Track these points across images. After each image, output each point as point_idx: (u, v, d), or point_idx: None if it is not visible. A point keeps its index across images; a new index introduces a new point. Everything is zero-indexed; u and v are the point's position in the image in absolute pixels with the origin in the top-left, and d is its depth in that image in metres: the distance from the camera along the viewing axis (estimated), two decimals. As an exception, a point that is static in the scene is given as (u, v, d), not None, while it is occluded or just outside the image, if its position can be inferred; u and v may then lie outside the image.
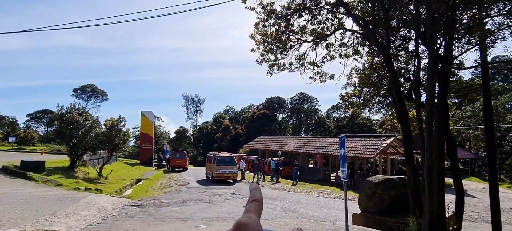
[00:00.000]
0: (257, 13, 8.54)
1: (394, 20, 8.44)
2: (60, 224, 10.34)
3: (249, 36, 8.96)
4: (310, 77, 9.39)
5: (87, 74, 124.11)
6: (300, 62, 9.25)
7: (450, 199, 8.48)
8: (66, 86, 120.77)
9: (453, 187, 7.96)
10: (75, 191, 16.40)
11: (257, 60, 9.26)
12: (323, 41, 9.11)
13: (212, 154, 30.30)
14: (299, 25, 8.88)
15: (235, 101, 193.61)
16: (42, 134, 68.03)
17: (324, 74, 9.33)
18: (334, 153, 30.24)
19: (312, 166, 39.12)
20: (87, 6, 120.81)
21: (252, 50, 9.19)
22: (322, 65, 9.28)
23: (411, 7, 8.11)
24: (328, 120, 72.96)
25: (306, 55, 9.19)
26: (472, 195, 25.10)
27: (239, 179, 28.43)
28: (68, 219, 10.97)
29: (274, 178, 28.35)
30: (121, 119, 23.93)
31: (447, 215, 7.46)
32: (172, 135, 79.54)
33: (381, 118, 50.35)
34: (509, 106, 48.72)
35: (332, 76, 9.28)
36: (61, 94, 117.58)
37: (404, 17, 8.31)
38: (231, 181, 26.67)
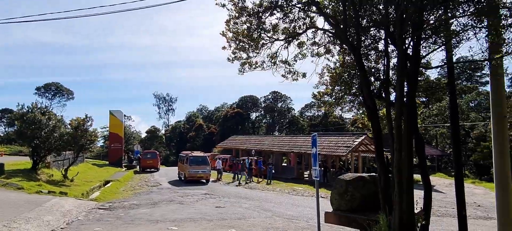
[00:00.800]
0: (228, 10, 8.36)
1: (365, 20, 8.51)
2: (20, 230, 9.74)
3: (220, 33, 8.77)
4: (282, 75, 9.34)
5: (51, 71, 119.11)
6: (272, 61, 9.16)
7: (418, 195, 8.67)
8: (29, 84, 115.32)
9: (421, 183, 8.13)
10: (38, 194, 15.55)
11: (228, 58, 9.08)
12: (295, 40, 9.05)
13: (185, 153, 29.81)
14: (271, 23, 8.78)
15: (208, 100, 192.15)
16: (2, 135, 64.44)
17: (296, 72, 9.30)
18: (307, 152, 30.54)
19: (285, 164, 39.37)
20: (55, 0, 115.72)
21: (224, 48, 9.01)
22: (294, 63, 9.26)
23: (381, 7, 8.20)
24: (301, 119, 73.73)
25: (278, 53, 9.12)
26: (439, 190, 26.12)
27: (216, 179, 28.14)
28: (29, 224, 10.35)
29: (251, 178, 28.22)
30: (87, 119, 23.03)
31: (415, 211, 7.61)
32: (144, 135, 77.85)
33: (353, 116, 51.46)
34: (473, 105, 51.27)
35: (304, 75, 9.26)
36: (23, 93, 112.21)
37: (374, 17, 8.40)
38: (204, 181, 26.33)
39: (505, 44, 6.85)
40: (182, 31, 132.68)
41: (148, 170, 35.76)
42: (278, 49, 9.11)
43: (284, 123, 75.45)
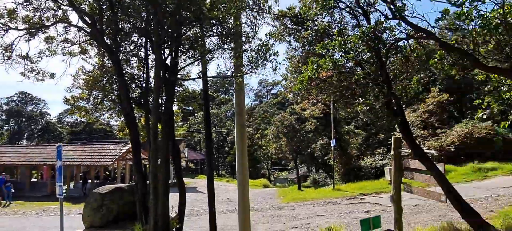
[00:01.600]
0: None
1: (127, 24, 8.22)
2: None
3: None
4: (22, 74, 7.64)
5: None
6: (6, 54, 7.32)
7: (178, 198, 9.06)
8: None
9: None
10: None
11: None
12: (41, 33, 7.62)
13: None
14: (6, 6, 7.03)
15: None
16: None
17: (41, 71, 7.83)
18: (65, 163, 26.75)
19: (36, 179, 33.06)
20: None
21: None
22: (39, 61, 7.76)
23: (143, 14, 8.15)
24: (60, 125, 64.38)
25: (15, 46, 7.39)
26: (200, 191, 28.67)
27: None
28: None
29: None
30: None
31: (172, 215, 7.93)
32: None
33: (119, 123, 49.58)
34: (229, 114, 60.60)
35: (52, 75, 7.93)
36: None
37: (137, 24, 8.24)
38: None
39: (244, 65, 8.25)
40: None
41: None
42: (15, 40, 7.39)
43: (35, 130, 63.58)
